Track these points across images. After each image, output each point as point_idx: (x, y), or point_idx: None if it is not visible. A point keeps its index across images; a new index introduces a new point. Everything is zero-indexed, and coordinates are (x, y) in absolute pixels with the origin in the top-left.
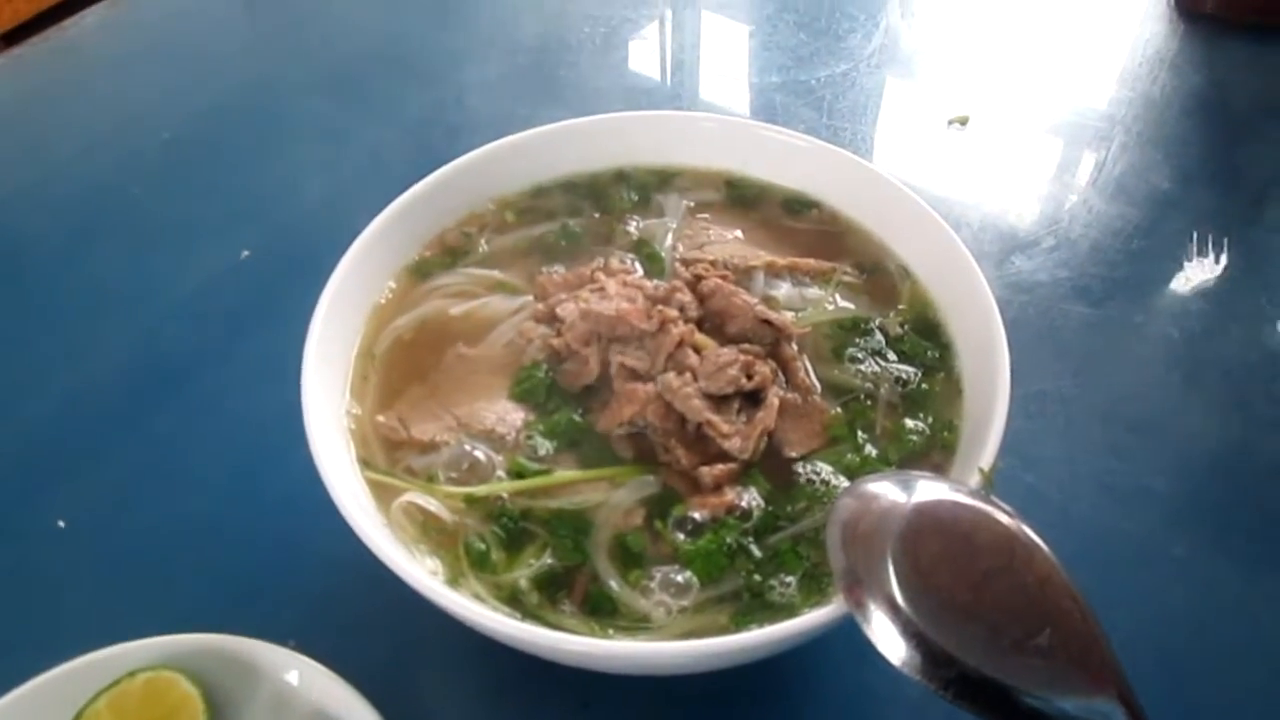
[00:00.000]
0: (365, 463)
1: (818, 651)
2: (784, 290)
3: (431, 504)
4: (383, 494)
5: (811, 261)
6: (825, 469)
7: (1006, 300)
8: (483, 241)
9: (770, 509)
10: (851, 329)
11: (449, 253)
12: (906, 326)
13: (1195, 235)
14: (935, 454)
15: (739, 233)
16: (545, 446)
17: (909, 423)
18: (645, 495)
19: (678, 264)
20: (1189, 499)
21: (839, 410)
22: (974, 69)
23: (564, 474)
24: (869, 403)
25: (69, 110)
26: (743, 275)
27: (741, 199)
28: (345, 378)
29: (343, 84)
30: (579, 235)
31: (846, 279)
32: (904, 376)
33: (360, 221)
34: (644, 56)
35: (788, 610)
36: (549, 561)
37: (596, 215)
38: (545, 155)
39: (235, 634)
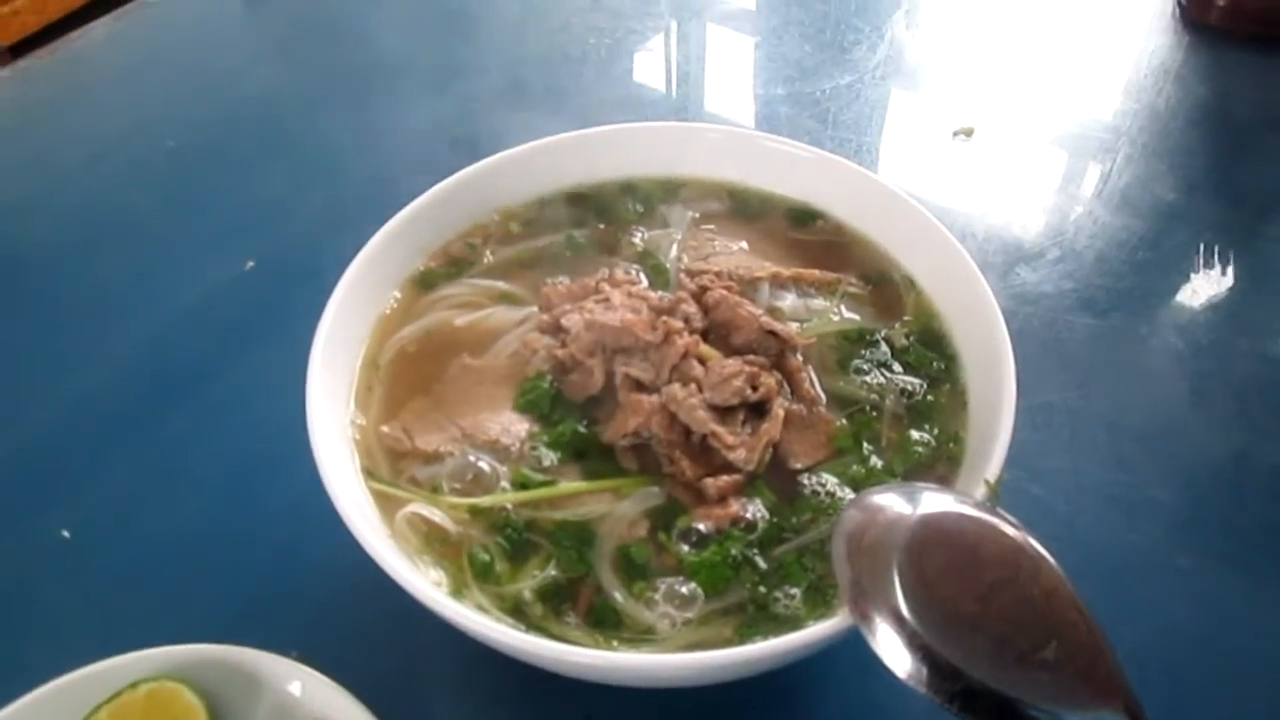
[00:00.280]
0: (369, 473)
1: (823, 664)
2: (789, 301)
3: (435, 515)
4: (387, 504)
5: (816, 273)
6: (830, 481)
7: (1011, 311)
8: (487, 252)
9: (775, 521)
10: (857, 340)
11: (454, 263)
12: (912, 338)
13: (1201, 247)
14: (941, 466)
15: (744, 244)
16: (550, 457)
17: (914, 434)
18: (650, 507)
19: (683, 275)
20: (1195, 511)
21: (844, 422)
22: (979, 80)
23: (568, 485)
24: (874, 414)
25: (75, 121)
26: (748, 286)
27: (746, 210)
28: (350, 388)
29: (347, 96)
30: (584, 246)
31: (851, 290)
32: (909, 388)
33: (365, 232)
34: (649, 68)
35: (792, 622)
36: (553, 573)
37: (601, 226)
38: (550, 166)
39: (238, 644)
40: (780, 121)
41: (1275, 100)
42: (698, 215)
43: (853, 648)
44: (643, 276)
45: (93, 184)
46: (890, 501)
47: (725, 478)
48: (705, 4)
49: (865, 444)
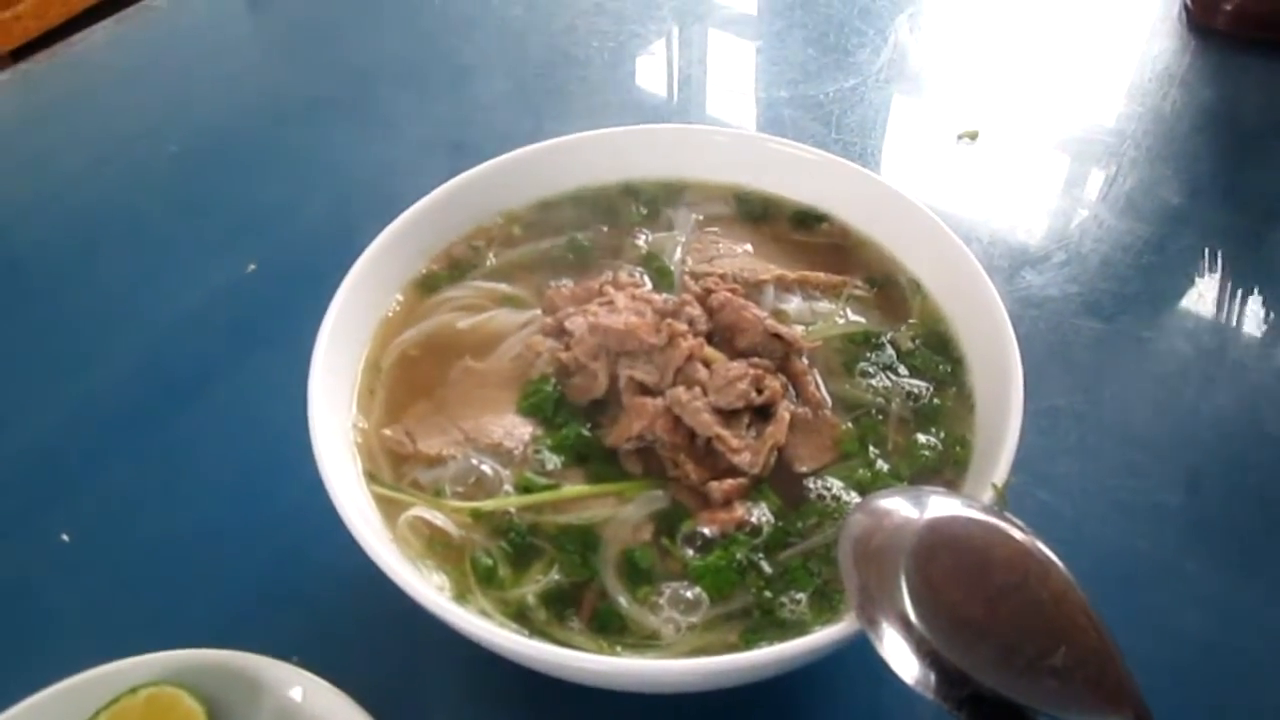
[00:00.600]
0: (371, 477)
1: (829, 670)
2: (794, 304)
3: (438, 518)
4: (389, 508)
5: (822, 275)
6: (836, 484)
7: (1017, 315)
8: (490, 255)
9: (780, 525)
10: (862, 343)
11: (456, 266)
12: (918, 341)
13: (1206, 251)
14: (948, 470)
15: (749, 246)
16: (553, 461)
17: (921, 438)
18: (654, 510)
19: (687, 278)
20: (1203, 516)
21: (850, 425)
22: (983, 84)
23: (572, 489)
24: (880, 418)
25: (77, 124)
26: (752, 289)
27: (751, 213)
28: (352, 391)
29: (350, 99)
30: (587, 249)
31: (857, 293)
32: (915, 391)
33: (366, 236)
34: (652, 72)
35: (798, 628)
36: (557, 577)
37: (605, 229)
38: (553, 169)
39: (239, 649)
40: (784, 124)
41: None
42: (702, 218)
43: (860, 653)
44: (647, 279)
45: (94, 187)
46: (897, 505)
47: (730, 481)
48: (708, 7)
49: (871, 448)
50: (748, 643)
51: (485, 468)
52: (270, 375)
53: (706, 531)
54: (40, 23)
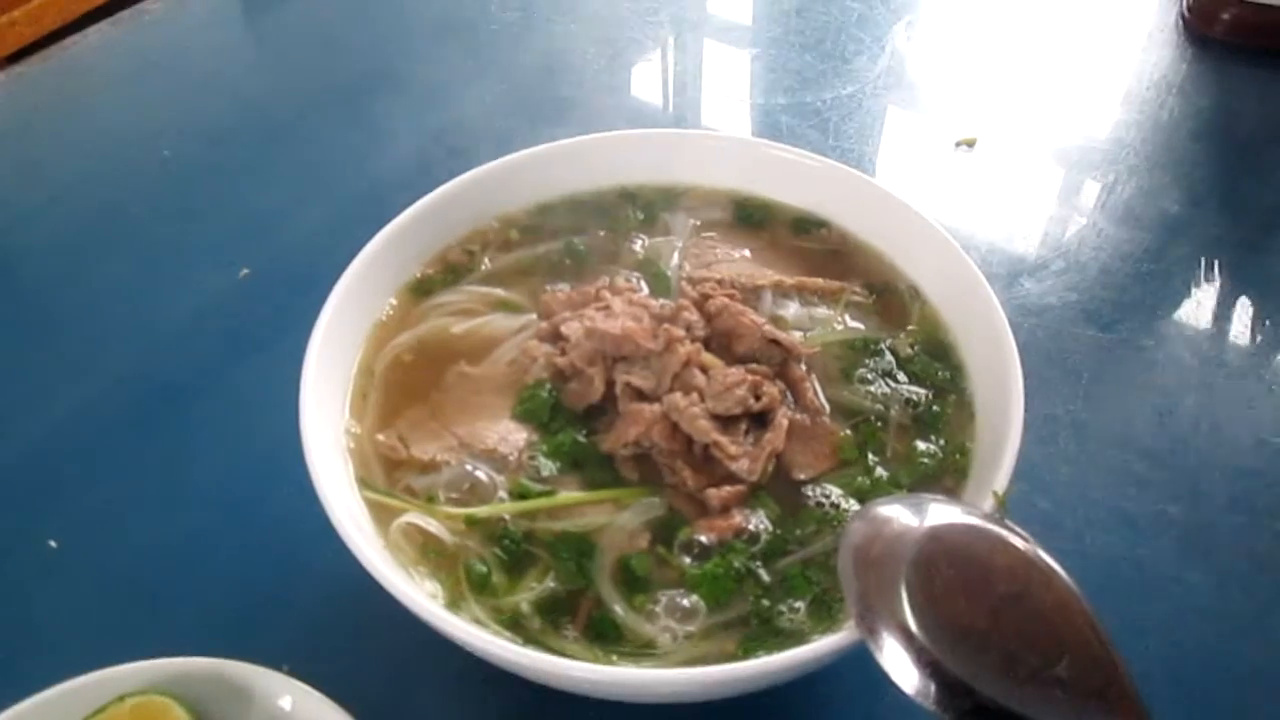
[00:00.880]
0: (364, 482)
1: (828, 680)
2: (792, 310)
3: (431, 525)
4: (381, 514)
5: (820, 281)
6: (835, 492)
7: (1016, 323)
8: (486, 259)
9: (779, 532)
10: (861, 350)
11: (451, 270)
12: (917, 347)
13: (1205, 258)
14: (948, 478)
15: (746, 252)
16: (548, 467)
17: (920, 445)
18: (651, 518)
19: (684, 283)
20: (1205, 525)
21: (849, 432)
22: (981, 91)
23: (567, 495)
24: (879, 424)
25: (69, 127)
26: (750, 294)
27: (749, 218)
28: (345, 396)
29: (345, 104)
30: (584, 254)
31: (856, 299)
32: (915, 398)
33: (360, 241)
34: (649, 78)
35: (797, 637)
36: (551, 585)
37: (601, 233)
38: (550, 173)
39: (229, 658)
40: (781, 131)
41: (1279, 113)
42: (699, 223)
43: (859, 663)
44: (644, 285)
45: (86, 191)
46: (897, 513)
47: (728, 488)
48: (705, 14)
49: (870, 455)
50: (746, 652)
51: (480, 474)
52: (262, 381)
53: (704, 539)
54: (35, 28)
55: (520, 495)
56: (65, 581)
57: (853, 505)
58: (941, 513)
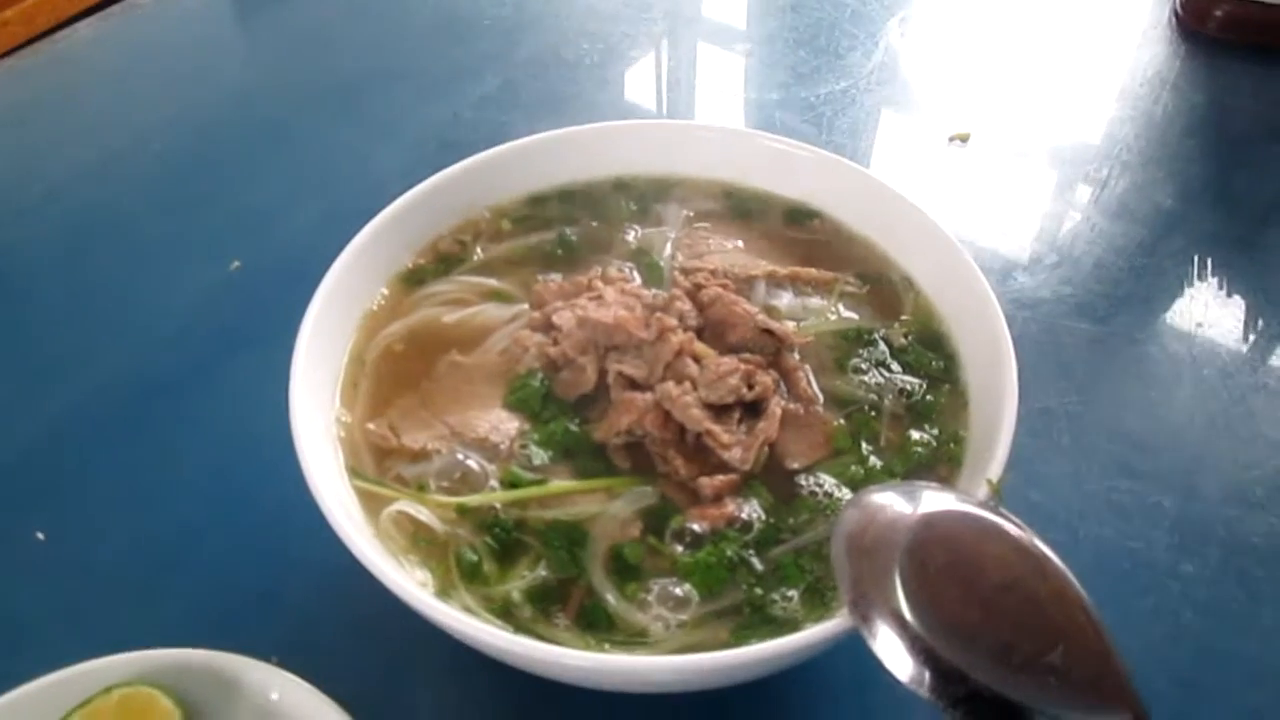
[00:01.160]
0: (354, 471)
1: (821, 668)
2: (785, 300)
3: (422, 513)
4: (371, 503)
5: (813, 271)
6: (828, 481)
7: (1010, 316)
8: (478, 249)
9: (771, 521)
10: (855, 339)
11: (443, 260)
12: (910, 337)
13: (1199, 252)
14: (941, 466)
15: (739, 242)
16: (540, 456)
17: (914, 434)
18: (643, 506)
19: (677, 273)
20: (1197, 516)
21: (842, 421)
22: (975, 87)
23: (559, 484)
24: (873, 414)
25: (60, 121)
26: (743, 284)
27: (742, 209)
28: (335, 385)
29: (337, 97)
30: (576, 244)
31: (849, 289)
32: (908, 388)
33: (352, 234)
34: (642, 73)
35: (790, 625)
36: (543, 574)
37: (594, 224)
38: (543, 163)
39: (216, 649)
40: (775, 126)
41: (1271, 110)
42: (692, 214)
43: (852, 651)
44: (636, 275)
45: (76, 185)
46: (891, 501)
47: (720, 477)
48: (699, 10)
49: (864, 444)
50: (738, 640)
51: (471, 463)
52: (253, 373)
53: (696, 528)
54: (28, 28)
55: (512, 484)
56: (52, 574)
57: (846, 494)
58: (935, 500)
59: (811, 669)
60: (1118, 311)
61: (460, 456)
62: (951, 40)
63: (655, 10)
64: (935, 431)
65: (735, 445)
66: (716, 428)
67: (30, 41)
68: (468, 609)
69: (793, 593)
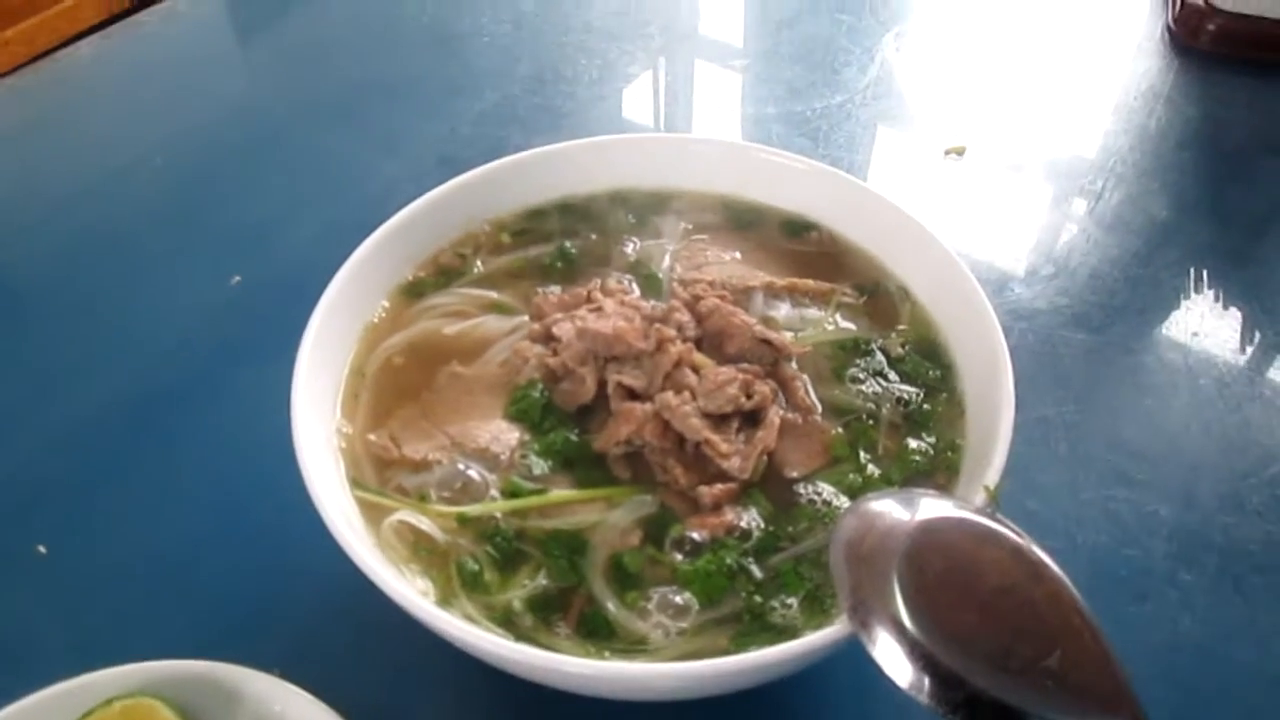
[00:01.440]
0: (356, 482)
1: (821, 675)
2: (783, 311)
3: (423, 523)
4: (373, 513)
5: (811, 282)
6: (827, 489)
7: (1006, 327)
8: (478, 262)
9: (771, 529)
10: (852, 349)
11: (443, 273)
12: (908, 347)
13: (1194, 264)
14: (939, 474)
15: (737, 254)
16: (540, 466)
17: (912, 443)
18: (643, 515)
19: (675, 284)
20: (1196, 526)
21: (840, 430)
22: (970, 100)
23: (559, 494)
24: (871, 423)
25: (62, 139)
26: (741, 295)
27: (739, 221)
28: (336, 396)
29: (336, 113)
30: (575, 257)
31: (846, 300)
32: (906, 397)
33: (352, 247)
34: (640, 88)
35: (789, 632)
36: (544, 582)
37: (593, 237)
38: (542, 177)
39: (218, 660)
40: (771, 140)
41: (1265, 123)
42: (690, 226)
43: (852, 658)
44: (635, 286)
45: (78, 200)
46: (888, 508)
47: (720, 486)
48: (696, 26)
49: (862, 452)
50: (738, 647)
51: (471, 473)
52: (254, 386)
53: (696, 536)
54: (29, 48)
55: (512, 494)
56: (54, 587)
57: (844, 502)
58: (933, 507)
59: (811, 676)
60: (1114, 322)
61: (461, 467)
62: (946, 55)
63: (652, 27)
64: (933, 440)
65: (734, 454)
66: (715, 437)
67: (31, 61)
68: (469, 618)
69: (792, 600)
